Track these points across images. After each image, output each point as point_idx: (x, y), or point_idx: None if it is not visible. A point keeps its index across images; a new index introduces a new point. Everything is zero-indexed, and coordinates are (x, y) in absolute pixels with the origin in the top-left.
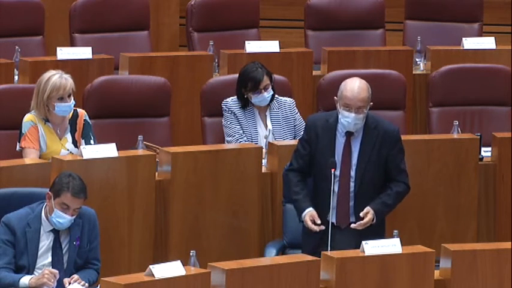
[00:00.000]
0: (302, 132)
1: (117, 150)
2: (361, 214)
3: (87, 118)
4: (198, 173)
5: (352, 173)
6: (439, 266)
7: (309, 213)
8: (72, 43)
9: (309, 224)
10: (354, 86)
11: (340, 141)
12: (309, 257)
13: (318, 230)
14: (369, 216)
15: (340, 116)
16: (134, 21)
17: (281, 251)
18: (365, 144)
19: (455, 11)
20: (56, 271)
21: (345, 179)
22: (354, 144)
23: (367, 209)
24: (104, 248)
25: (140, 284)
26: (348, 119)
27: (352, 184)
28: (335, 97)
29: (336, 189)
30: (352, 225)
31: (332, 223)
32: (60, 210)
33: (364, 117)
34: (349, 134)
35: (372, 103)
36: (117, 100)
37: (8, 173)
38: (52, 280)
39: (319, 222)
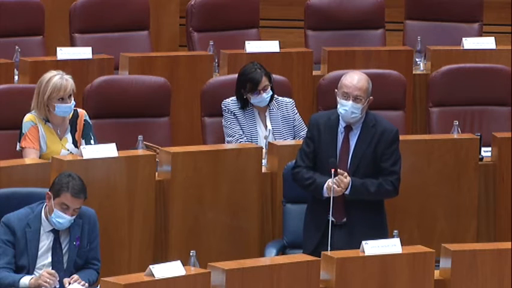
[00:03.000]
0: (302, 133)
1: (117, 150)
2: (340, 171)
3: (88, 118)
4: (198, 173)
5: (347, 168)
6: (439, 266)
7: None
8: (72, 43)
9: (334, 186)
10: (354, 76)
11: (340, 137)
12: (309, 257)
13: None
14: (345, 180)
15: (338, 107)
16: (134, 21)
17: (281, 251)
18: (361, 140)
19: (455, 11)
20: (54, 272)
21: None
22: (351, 140)
23: (348, 177)
24: (104, 248)
25: (140, 284)
26: (345, 107)
27: None
28: (335, 90)
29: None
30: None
31: (332, 221)
32: (60, 210)
33: (362, 110)
34: (348, 129)
35: (371, 97)
36: (117, 100)
37: (8, 173)
38: (48, 281)
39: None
